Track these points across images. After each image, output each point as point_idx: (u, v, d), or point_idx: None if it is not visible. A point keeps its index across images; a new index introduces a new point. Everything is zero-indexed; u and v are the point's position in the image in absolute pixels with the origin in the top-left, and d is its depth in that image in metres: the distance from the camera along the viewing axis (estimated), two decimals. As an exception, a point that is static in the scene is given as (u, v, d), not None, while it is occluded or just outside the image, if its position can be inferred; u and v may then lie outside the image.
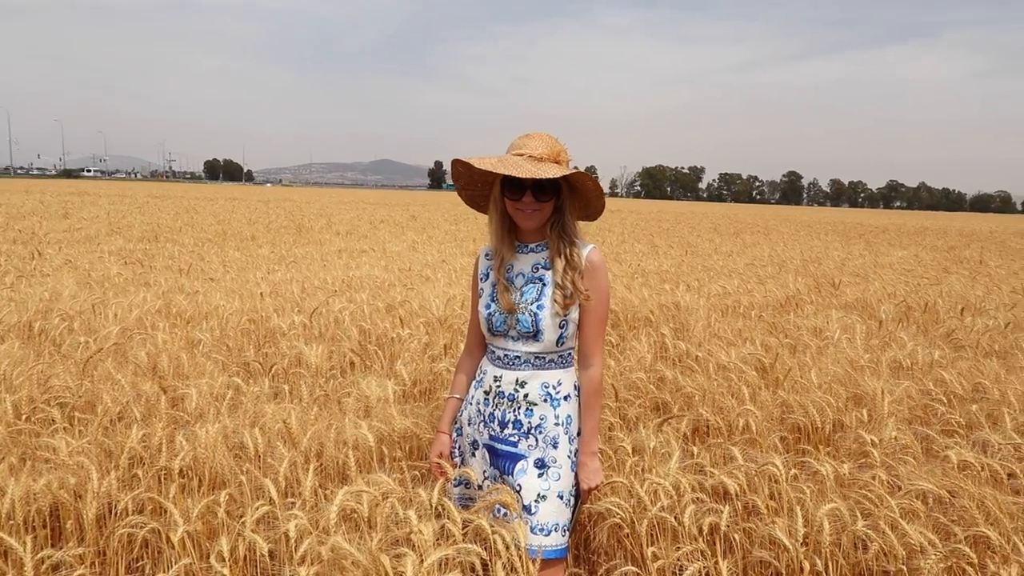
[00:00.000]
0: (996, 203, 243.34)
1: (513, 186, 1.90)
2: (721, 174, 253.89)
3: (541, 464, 1.97)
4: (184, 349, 3.74)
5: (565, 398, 2.01)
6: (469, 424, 2.08)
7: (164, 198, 32.39)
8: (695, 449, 2.72)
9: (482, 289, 2.06)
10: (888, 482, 2.45)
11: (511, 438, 1.99)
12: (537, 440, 1.98)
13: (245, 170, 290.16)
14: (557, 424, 1.98)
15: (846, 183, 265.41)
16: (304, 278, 6.61)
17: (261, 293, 5.41)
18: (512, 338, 1.97)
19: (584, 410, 2.02)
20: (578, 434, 2.05)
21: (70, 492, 2.18)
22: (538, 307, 1.92)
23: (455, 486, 2.12)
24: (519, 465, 1.97)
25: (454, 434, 2.17)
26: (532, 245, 2.00)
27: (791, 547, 2.08)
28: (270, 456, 2.42)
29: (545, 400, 1.98)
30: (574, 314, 1.97)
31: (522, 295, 1.96)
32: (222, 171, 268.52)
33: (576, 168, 1.93)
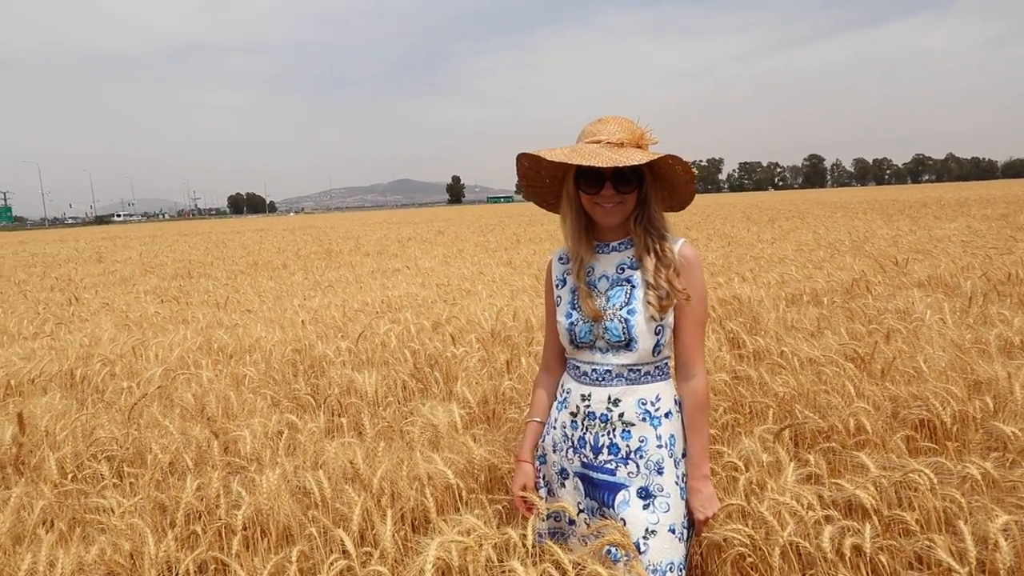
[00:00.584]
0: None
1: (590, 178, 1.65)
2: (741, 163, 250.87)
3: (646, 494, 1.68)
4: (231, 386, 3.52)
5: (666, 415, 1.72)
6: (555, 451, 1.81)
7: (193, 235, 32.89)
8: (811, 457, 2.38)
9: (559, 297, 1.80)
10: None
11: (607, 465, 1.71)
12: (639, 466, 1.69)
13: (268, 201, 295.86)
14: (660, 446, 1.70)
15: (870, 161, 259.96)
16: (343, 301, 6.41)
17: (302, 321, 5.21)
18: (600, 350, 1.70)
19: (690, 428, 1.73)
20: (683, 456, 1.75)
21: (126, 557, 1.95)
22: (629, 312, 1.66)
23: (543, 519, 1.84)
24: (620, 496, 1.69)
25: (537, 462, 1.89)
26: (614, 243, 1.73)
27: (960, 572, 1.74)
28: (338, 501, 2.16)
29: (643, 419, 1.70)
30: (670, 318, 1.69)
31: (608, 300, 1.69)
32: (245, 204, 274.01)
33: (659, 154, 1.65)
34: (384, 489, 2.17)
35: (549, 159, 1.61)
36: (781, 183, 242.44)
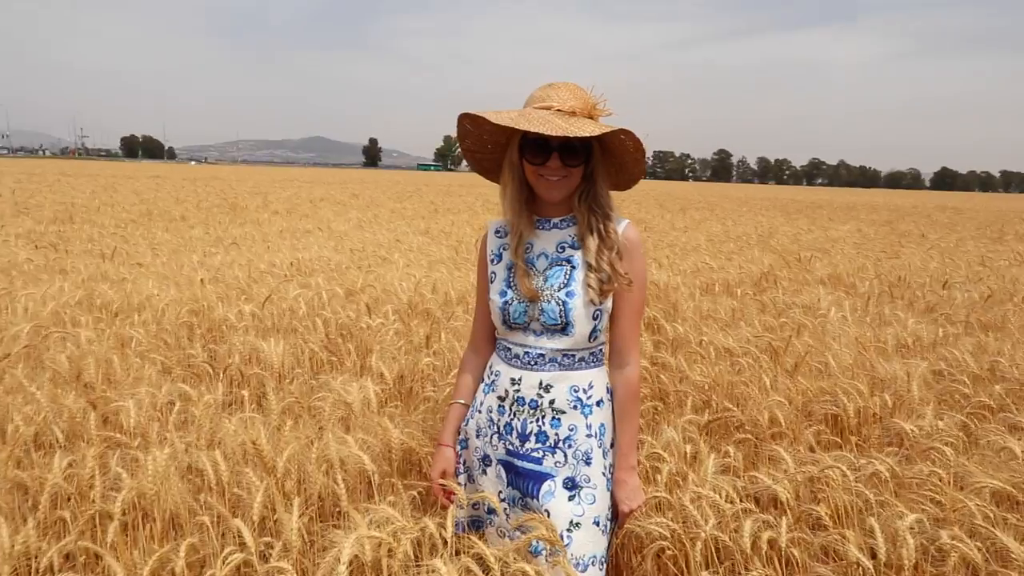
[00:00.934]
0: (907, 179, 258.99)
1: (536, 148, 1.52)
2: (656, 152, 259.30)
3: (572, 484, 1.61)
4: (114, 349, 3.15)
5: (598, 403, 1.65)
6: (478, 436, 1.70)
7: (78, 176, 29.98)
8: (730, 449, 2.40)
9: (493, 273, 1.67)
10: (944, 479, 2.20)
11: (534, 453, 1.62)
12: (566, 455, 1.61)
13: (166, 147, 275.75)
14: (590, 435, 1.62)
15: (772, 161, 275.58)
16: (247, 261, 5.97)
17: (201, 280, 4.78)
18: (535, 332, 1.59)
19: (620, 418, 1.66)
20: (611, 446, 1.69)
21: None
22: (568, 294, 1.56)
23: (461, 508, 1.74)
24: (545, 486, 1.61)
25: (457, 447, 1.78)
26: (556, 220, 1.62)
27: (869, 567, 1.78)
28: (237, 485, 1.95)
29: (575, 407, 1.61)
30: (608, 303, 1.61)
31: (546, 280, 1.58)
32: (141, 148, 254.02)
33: (612, 127, 1.54)
34: (290, 473, 1.98)
35: (494, 122, 1.47)
36: (691, 174, 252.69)
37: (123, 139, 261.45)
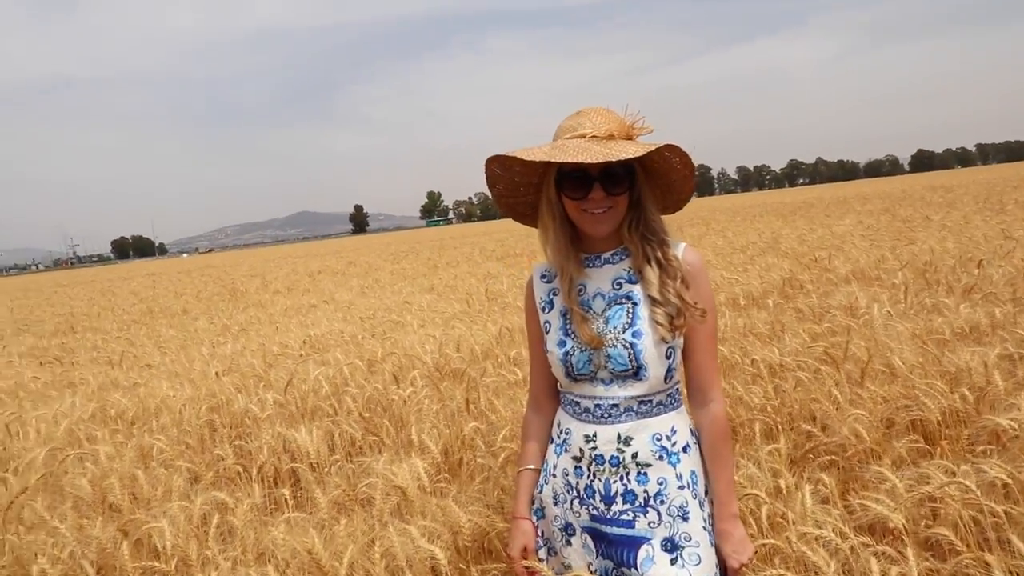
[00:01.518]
0: (887, 167, 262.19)
1: (575, 181, 1.38)
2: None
3: (672, 546, 1.41)
4: (137, 463, 2.95)
5: (684, 449, 1.45)
6: (556, 503, 1.51)
7: (73, 284, 30.04)
8: (823, 476, 2.18)
9: (547, 323, 1.51)
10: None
11: (624, 516, 1.42)
12: (660, 514, 1.41)
13: (157, 244, 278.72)
14: (682, 487, 1.43)
15: (752, 168, 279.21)
16: (259, 345, 5.79)
17: (216, 372, 4.60)
18: (603, 381, 1.43)
19: (712, 461, 1.47)
20: (706, 493, 1.49)
21: None
22: (634, 334, 1.39)
23: None
24: (642, 552, 1.41)
25: (534, 517, 1.57)
26: (607, 255, 1.47)
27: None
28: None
29: (660, 457, 1.42)
30: (680, 338, 1.43)
31: (608, 322, 1.42)
32: (132, 248, 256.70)
33: (655, 144, 1.39)
34: (355, 581, 1.76)
35: (526, 159, 1.34)
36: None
37: (113, 242, 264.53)
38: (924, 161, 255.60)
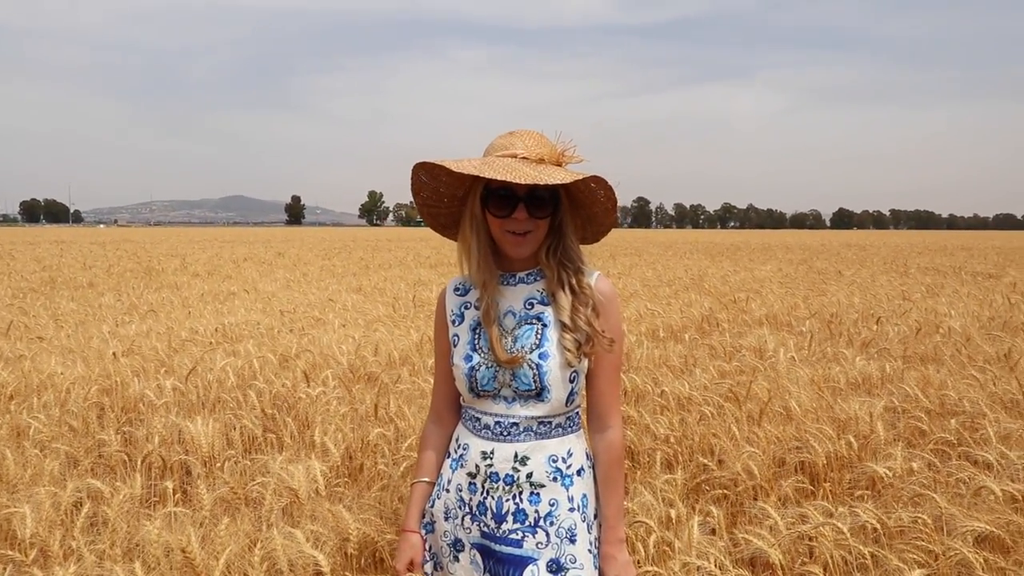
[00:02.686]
0: (810, 220, 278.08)
1: (500, 199, 1.39)
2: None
3: (557, 567, 1.43)
4: (8, 441, 2.73)
5: (579, 472, 1.48)
6: (447, 518, 1.50)
7: (-31, 244, 27.74)
8: (712, 509, 2.26)
9: (455, 336, 1.51)
10: (930, 524, 2.13)
11: (513, 535, 1.43)
12: (548, 535, 1.43)
13: (72, 210, 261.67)
14: (572, 509, 1.45)
15: (688, 206, 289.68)
16: (167, 329, 5.50)
17: (114, 353, 4.32)
18: (506, 399, 1.44)
19: (605, 485, 1.50)
20: (595, 518, 1.52)
21: None
22: (541, 356, 1.41)
23: None
24: (528, 572, 1.42)
25: (423, 531, 1.56)
26: (522, 274, 1.49)
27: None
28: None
29: (554, 478, 1.44)
30: (584, 363, 1.46)
31: (516, 340, 1.43)
32: (43, 212, 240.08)
33: (584, 173, 1.42)
34: (230, 584, 1.68)
35: (455, 170, 1.35)
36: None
37: (23, 203, 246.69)
38: (844, 219, 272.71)
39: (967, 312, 6.37)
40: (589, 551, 1.45)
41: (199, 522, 1.96)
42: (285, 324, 5.93)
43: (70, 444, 2.80)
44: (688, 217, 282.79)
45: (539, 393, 1.40)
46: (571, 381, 1.43)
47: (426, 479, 1.57)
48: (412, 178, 1.46)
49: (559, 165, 1.41)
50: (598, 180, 1.39)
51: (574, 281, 1.44)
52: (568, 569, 1.42)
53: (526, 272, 1.48)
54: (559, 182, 1.33)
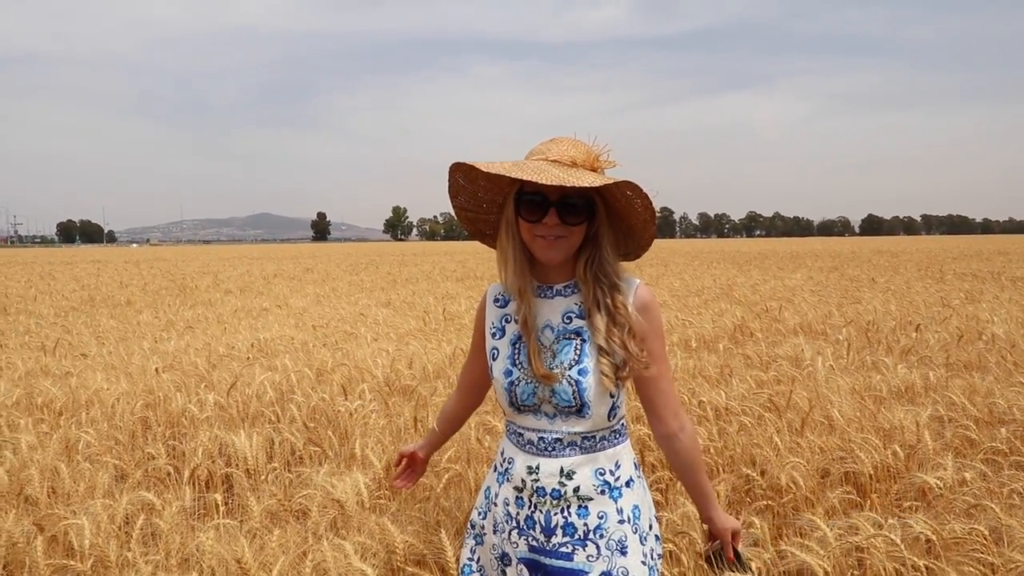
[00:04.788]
0: (838, 227, 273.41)
1: (532, 203, 1.37)
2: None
3: None
4: (61, 455, 2.81)
5: (627, 484, 1.46)
6: (496, 532, 1.49)
7: (11, 264, 28.63)
8: (755, 520, 2.23)
9: (495, 350, 1.49)
10: (987, 536, 2.07)
11: (563, 549, 1.42)
12: (599, 548, 1.41)
13: (106, 231, 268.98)
14: (622, 521, 1.43)
15: (712, 215, 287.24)
16: (204, 345, 5.61)
17: (156, 368, 4.43)
18: (547, 415, 1.42)
19: (687, 485, 1.55)
20: (650, 529, 1.50)
21: None
22: (580, 372, 1.38)
23: None
24: None
25: (472, 541, 1.57)
26: (559, 287, 1.46)
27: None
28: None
29: (602, 491, 1.43)
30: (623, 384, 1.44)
31: (555, 356, 1.41)
32: (79, 233, 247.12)
33: (615, 178, 1.38)
34: (283, 595, 1.70)
35: (484, 170, 1.34)
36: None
37: (59, 224, 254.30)
38: (873, 225, 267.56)
39: (1010, 318, 6.20)
40: (643, 563, 1.43)
41: (249, 533, 1.99)
42: (318, 339, 6.01)
43: (119, 457, 2.87)
44: (713, 226, 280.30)
45: (579, 409, 1.38)
46: (612, 396, 1.40)
47: (435, 428, 1.80)
48: (449, 180, 1.45)
49: (594, 171, 1.38)
50: (633, 188, 1.35)
51: (609, 300, 1.40)
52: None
53: (563, 285, 1.45)
54: (588, 185, 1.29)
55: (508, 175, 1.30)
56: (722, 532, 1.56)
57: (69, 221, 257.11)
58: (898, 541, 1.87)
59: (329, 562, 1.77)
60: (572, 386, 1.37)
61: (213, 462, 2.84)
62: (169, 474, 2.76)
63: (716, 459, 2.82)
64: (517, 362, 1.44)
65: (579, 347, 1.40)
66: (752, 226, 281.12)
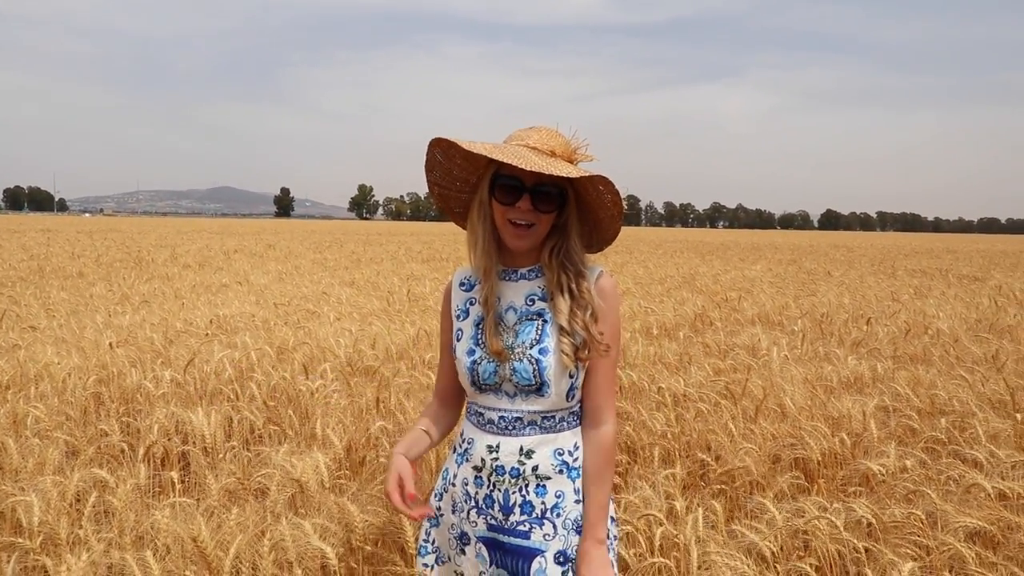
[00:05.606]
0: (798, 221, 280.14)
1: (507, 187, 1.39)
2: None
3: (564, 558, 1.45)
4: (7, 430, 2.72)
5: None
6: (454, 511, 1.52)
7: (-48, 231, 27.34)
8: (714, 503, 2.30)
9: (459, 331, 1.52)
10: (924, 520, 2.18)
11: (520, 527, 1.45)
12: (555, 526, 1.45)
13: (57, 199, 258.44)
14: (578, 501, 1.47)
15: (678, 205, 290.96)
16: (160, 320, 5.48)
17: (110, 343, 4.31)
18: (508, 394, 1.45)
19: (592, 481, 1.47)
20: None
21: None
22: (541, 351, 1.41)
23: None
24: (536, 563, 1.44)
25: (428, 523, 1.58)
26: (523, 270, 1.49)
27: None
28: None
29: (560, 471, 1.46)
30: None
31: (517, 336, 1.44)
32: (27, 200, 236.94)
33: (590, 171, 1.41)
34: (240, 573, 1.70)
35: (466, 148, 1.35)
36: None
37: (6, 190, 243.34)
38: (831, 220, 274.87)
39: (954, 314, 6.47)
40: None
41: (206, 511, 1.97)
42: (280, 316, 5.92)
43: (70, 433, 2.80)
44: (678, 216, 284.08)
45: (539, 388, 1.41)
46: (571, 376, 1.43)
47: (422, 428, 1.57)
48: (427, 154, 1.46)
49: (571, 162, 1.41)
50: (605, 183, 1.39)
51: (574, 285, 1.43)
52: (575, 560, 1.44)
53: (528, 268, 1.48)
54: (564, 175, 1.32)
55: (488, 156, 1.33)
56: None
57: (17, 187, 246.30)
58: (840, 524, 1.95)
59: (287, 541, 1.77)
60: (532, 364, 1.40)
61: (169, 439, 2.79)
62: (123, 451, 2.70)
63: (673, 444, 2.89)
64: (481, 342, 1.46)
65: (540, 327, 1.43)
66: (716, 217, 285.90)
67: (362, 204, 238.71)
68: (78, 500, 2.14)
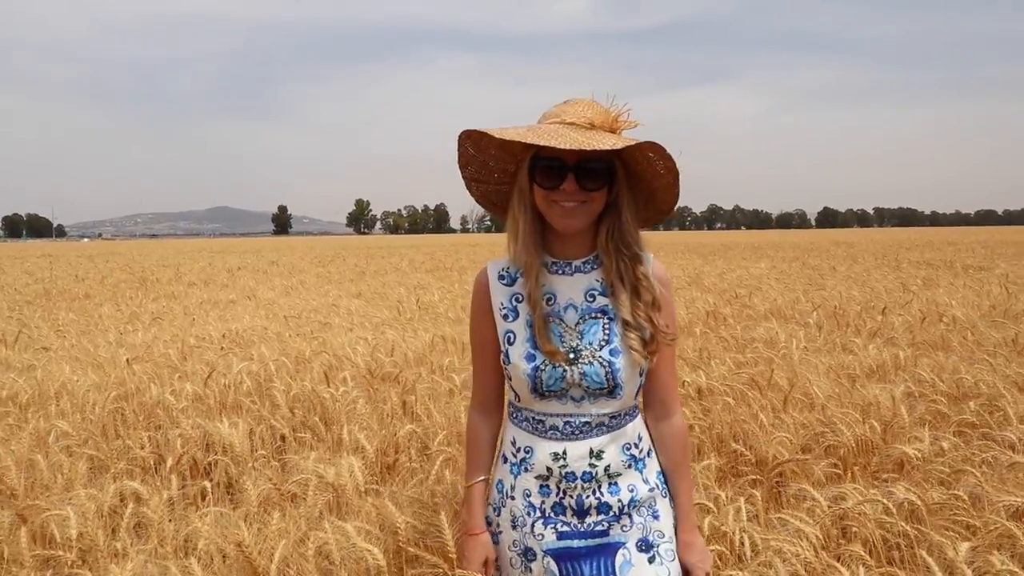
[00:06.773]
0: (796, 220, 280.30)
1: (548, 169, 1.28)
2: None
3: (646, 545, 1.38)
4: (36, 447, 2.70)
5: (648, 453, 1.43)
6: (514, 527, 1.41)
7: (-46, 260, 27.35)
8: (756, 493, 2.28)
9: (511, 333, 1.37)
10: (967, 500, 2.16)
11: (598, 527, 1.37)
12: (632, 518, 1.38)
13: (55, 225, 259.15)
14: (651, 489, 1.40)
15: (675, 208, 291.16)
16: (173, 336, 5.46)
17: (127, 360, 4.29)
18: (574, 399, 1.34)
19: (675, 473, 1.44)
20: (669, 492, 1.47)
21: None
22: (612, 352, 1.31)
23: None
24: (619, 556, 1.36)
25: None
26: (577, 262, 1.37)
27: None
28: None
29: (629, 465, 1.39)
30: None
31: (582, 337, 1.33)
32: (26, 228, 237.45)
33: (634, 140, 1.27)
34: (286, 578, 1.68)
35: (498, 137, 1.25)
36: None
37: (5, 219, 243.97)
38: (829, 218, 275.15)
39: (967, 302, 6.45)
40: (673, 524, 1.43)
41: (246, 518, 1.95)
42: (292, 329, 5.91)
43: (96, 450, 2.78)
44: (675, 219, 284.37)
45: (612, 391, 1.32)
46: (640, 375, 1.36)
47: (482, 478, 1.46)
48: (459, 150, 1.37)
49: (613, 132, 1.29)
50: (655, 148, 1.25)
51: (632, 272, 1.33)
52: (658, 544, 1.38)
53: (582, 260, 1.37)
54: (608, 147, 1.20)
55: (522, 141, 1.22)
56: (692, 568, 1.42)
57: (15, 215, 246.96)
58: (891, 507, 1.93)
59: (331, 544, 1.75)
60: (604, 367, 1.31)
61: (197, 451, 2.77)
62: (152, 464, 2.68)
63: (702, 437, 2.87)
64: (539, 346, 1.33)
65: (607, 326, 1.33)
66: (713, 218, 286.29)
67: (360, 219, 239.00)
68: (113, 513, 2.12)
